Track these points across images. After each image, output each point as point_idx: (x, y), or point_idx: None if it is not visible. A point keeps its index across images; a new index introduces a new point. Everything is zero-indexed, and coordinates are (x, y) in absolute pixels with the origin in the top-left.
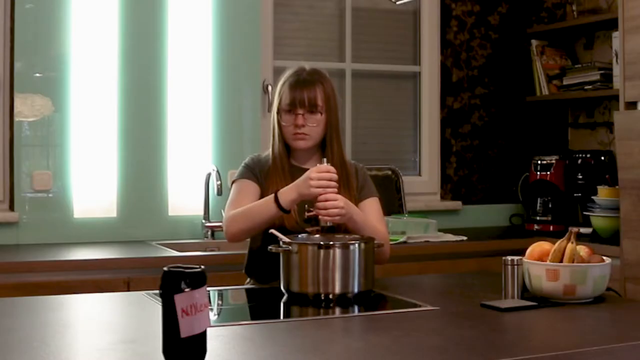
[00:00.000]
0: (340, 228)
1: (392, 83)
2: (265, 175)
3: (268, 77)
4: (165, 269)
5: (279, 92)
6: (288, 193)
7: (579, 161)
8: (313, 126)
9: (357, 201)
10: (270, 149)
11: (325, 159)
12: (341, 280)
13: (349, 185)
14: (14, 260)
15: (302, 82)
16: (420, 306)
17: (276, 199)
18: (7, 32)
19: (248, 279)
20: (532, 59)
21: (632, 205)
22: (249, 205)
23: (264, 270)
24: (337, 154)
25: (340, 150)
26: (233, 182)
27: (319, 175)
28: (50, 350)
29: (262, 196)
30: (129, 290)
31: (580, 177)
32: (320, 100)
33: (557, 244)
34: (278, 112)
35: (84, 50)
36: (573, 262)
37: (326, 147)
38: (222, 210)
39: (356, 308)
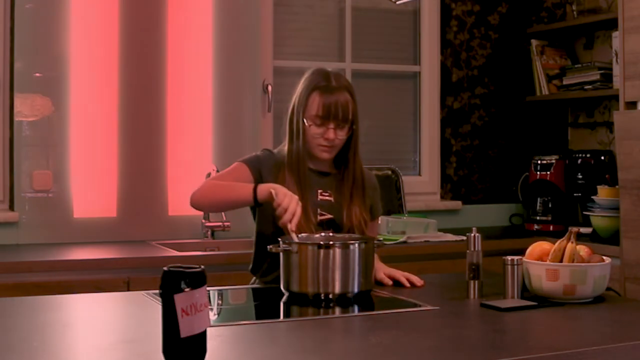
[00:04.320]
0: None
1: (392, 83)
2: (274, 172)
3: (268, 77)
4: (165, 268)
5: (305, 96)
6: (264, 189)
7: (579, 161)
8: (341, 138)
9: (368, 227)
10: (287, 148)
11: (320, 191)
12: (341, 280)
13: (364, 196)
14: (14, 260)
15: (334, 91)
16: (420, 306)
17: (255, 188)
18: (7, 32)
19: (253, 279)
20: (532, 58)
21: (632, 205)
22: (229, 182)
23: (271, 267)
24: (358, 163)
25: (360, 160)
26: (237, 161)
27: (290, 206)
28: (50, 350)
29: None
30: (129, 290)
31: (580, 177)
32: (351, 114)
33: (557, 244)
34: (304, 118)
35: (84, 50)
36: (573, 262)
37: (349, 156)
38: None
39: (356, 308)
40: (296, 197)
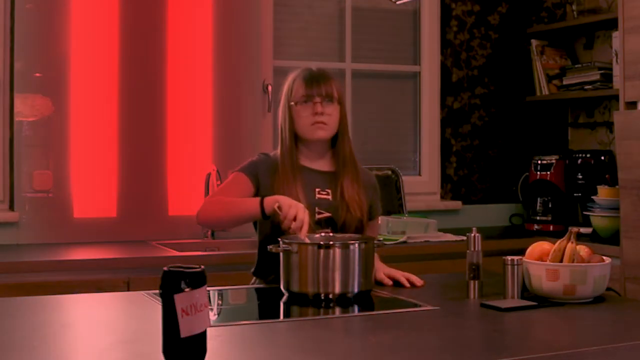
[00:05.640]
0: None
1: (392, 83)
2: (271, 174)
3: (268, 77)
4: (165, 268)
5: (289, 89)
6: (270, 202)
7: (579, 161)
8: (330, 115)
9: (366, 215)
10: (279, 148)
11: (318, 189)
12: (341, 280)
13: (358, 184)
14: (14, 260)
15: (316, 75)
16: (420, 306)
17: (261, 202)
18: (7, 32)
19: (254, 279)
20: (532, 58)
21: (632, 205)
22: (234, 198)
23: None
24: (348, 150)
25: (350, 147)
26: (234, 171)
27: (298, 215)
28: (50, 350)
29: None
30: (129, 290)
31: (580, 177)
32: (336, 92)
33: (557, 244)
34: (290, 108)
35: (84, 50)
36: (573, 262)
37: (337, 143)
38: None
39: (356, 308)
40: (301, 205)
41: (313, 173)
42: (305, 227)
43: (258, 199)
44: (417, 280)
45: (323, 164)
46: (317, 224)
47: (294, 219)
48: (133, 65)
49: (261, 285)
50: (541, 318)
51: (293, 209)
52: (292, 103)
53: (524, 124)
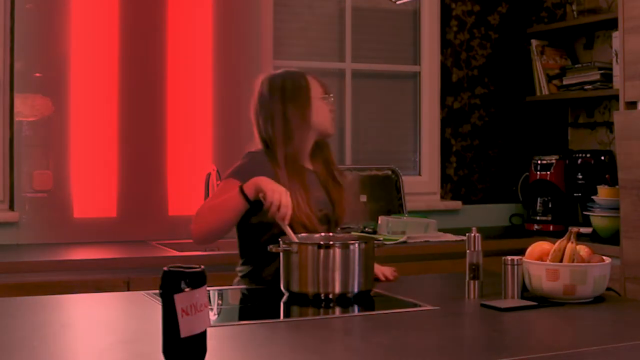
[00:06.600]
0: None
1: (392, 83)
2: (266, 173)
3: None
4: (165, 268)
5: (305, 86)
6: (250, 187)
7: (579, 161)
8: None
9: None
10: (283, 145)
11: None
12: (341, 280)
13: (342, 182)
14: (14, 260)
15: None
16: (420, 306)
17: (241, 190)
18: (7, 32)
19: (237, 279)
20: (532, 58)
21: (632, 205)
22: (216, 200)
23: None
24: (330, 149)
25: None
26: (224, 178)
27: (282, 200)
28: (50, 350)
29: None
30: (129, 290)
31: (580, 177)
32: None
33: (557, 244)
34: (311, 104)
35: (84, 50)
36: (573, 262)
37: (322, 142)
38: None
39: (356, 308)
40: (283, 188)
41: (309, 172)
42: (290, 213)
43: (237, 189)
44: (390, 274)
45: (310, 163)
46: (321, 222)
47: (279, 205)
48: (133, 65)
49: (260, 286)
50: (541, 318)
51: (277, 193)
52: (320, 96)
53: (524, 124)
